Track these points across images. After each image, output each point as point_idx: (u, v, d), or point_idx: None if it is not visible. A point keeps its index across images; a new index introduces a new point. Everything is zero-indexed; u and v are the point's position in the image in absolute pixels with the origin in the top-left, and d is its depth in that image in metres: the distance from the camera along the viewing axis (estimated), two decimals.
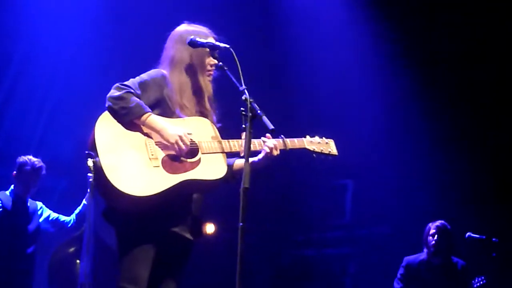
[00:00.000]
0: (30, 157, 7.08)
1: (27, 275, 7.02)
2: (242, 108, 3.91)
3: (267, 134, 4.34)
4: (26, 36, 8.42)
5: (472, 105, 9.10)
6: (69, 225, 7.14)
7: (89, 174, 4.06)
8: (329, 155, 4.64)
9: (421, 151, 9.37)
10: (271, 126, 3.93)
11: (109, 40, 8.47)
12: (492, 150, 9.03)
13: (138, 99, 4.12)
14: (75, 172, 7.15)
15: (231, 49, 4.17)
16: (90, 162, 4.03)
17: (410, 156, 9.41)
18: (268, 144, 4.33)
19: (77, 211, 7.08)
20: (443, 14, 8.96)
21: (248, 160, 3.80)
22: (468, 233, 7.40)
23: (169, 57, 4.39)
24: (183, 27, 4.46)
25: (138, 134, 4.15)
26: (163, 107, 4.25)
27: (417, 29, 9.09)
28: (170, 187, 4.07)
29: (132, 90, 4.12)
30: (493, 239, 7.24)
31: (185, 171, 4.15)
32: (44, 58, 8.48)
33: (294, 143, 4.49)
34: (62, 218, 7.18)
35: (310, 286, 10.37)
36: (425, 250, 7.54)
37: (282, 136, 4.11)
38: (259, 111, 3.89)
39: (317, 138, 4.63)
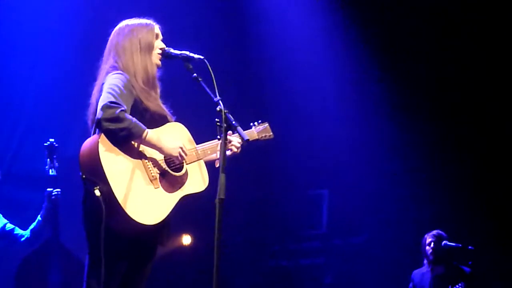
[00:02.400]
0: None
1: None
2: (217, 119, 3.94)
3: (229, 131, 4.36)
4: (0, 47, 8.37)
5: (448, 111, 9.14)
6: (22, 239, 6.87)
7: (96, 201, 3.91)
8: (268, 139, 4.96)
9: (397, 160, 9.40)
10: (246, 137, 4.00)
11: (86, 53, 8.42)
12: (469, 158, 9.06)
13: (131, 117, 4.01)
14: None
15: (205, 60, 4.21)
16: (97, 192, 3.88)
17: (386, 166, 9.44)
18: (234, 144, 4.53)
19: (31, 226, 6.87)
20: (422, 19, 9.02)
21: (223, 171, 3.80)
22: (444, 241, 7.44)
23: (119, 47, 4.32)
24: (126, 21, 4.45)
25: (134, 154, 4.08)
26: (137, 112, 4.14)
27: (393, 35, 9.14)
28: (173, 208, 4.14)
29: (124, 108, 3.99)
30: (469, 247, 7.29)
31: (179, 188, 4.22)
32: (19, 71, 8.42)
33: (250, 135, 4.72)
34: (17, 231, 6.89)
35: None
36: (425, 261, 7.61)
37: (238, 128, 4.01)
38: (233, 122, 3.93)
39: (258, 126, 4.92)
